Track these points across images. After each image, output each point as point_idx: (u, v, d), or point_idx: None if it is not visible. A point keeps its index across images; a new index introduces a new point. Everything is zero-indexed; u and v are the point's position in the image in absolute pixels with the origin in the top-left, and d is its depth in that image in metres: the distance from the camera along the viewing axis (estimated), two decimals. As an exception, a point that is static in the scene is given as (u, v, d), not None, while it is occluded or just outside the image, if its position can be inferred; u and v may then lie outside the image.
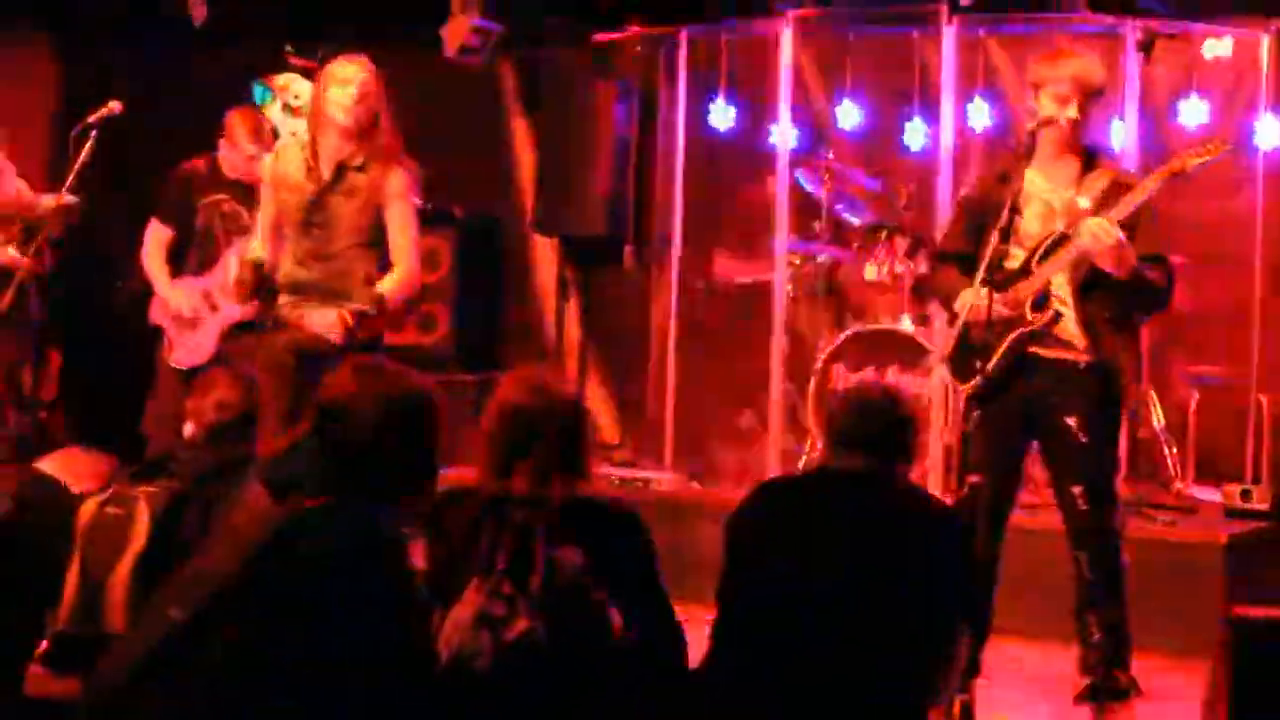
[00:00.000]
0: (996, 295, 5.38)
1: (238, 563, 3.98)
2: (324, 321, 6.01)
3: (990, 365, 5.43)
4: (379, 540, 4.01)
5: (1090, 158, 5.59)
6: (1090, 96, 5.50)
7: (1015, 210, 5.41)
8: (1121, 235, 5.29)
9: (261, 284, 6.19)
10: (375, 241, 6.16)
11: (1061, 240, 5.45)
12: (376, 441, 4.08)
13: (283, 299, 6.24)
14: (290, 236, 6.24)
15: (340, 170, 6.14)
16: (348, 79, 6.13)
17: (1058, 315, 5.47)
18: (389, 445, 4.08)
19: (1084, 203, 5.46)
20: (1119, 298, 5.46)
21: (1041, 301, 5.48)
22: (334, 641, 3.90)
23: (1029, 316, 5.47)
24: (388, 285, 6.05)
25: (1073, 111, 5.45)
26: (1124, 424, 5.91)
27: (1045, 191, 5.56)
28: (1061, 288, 5.48)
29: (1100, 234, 5.28)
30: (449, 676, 3.91)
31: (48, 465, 5.36)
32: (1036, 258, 5.49)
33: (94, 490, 5.06)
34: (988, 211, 5.52)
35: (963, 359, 5.53)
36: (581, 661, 3.99)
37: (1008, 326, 5.47)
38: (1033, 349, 5.50)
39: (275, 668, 3.91)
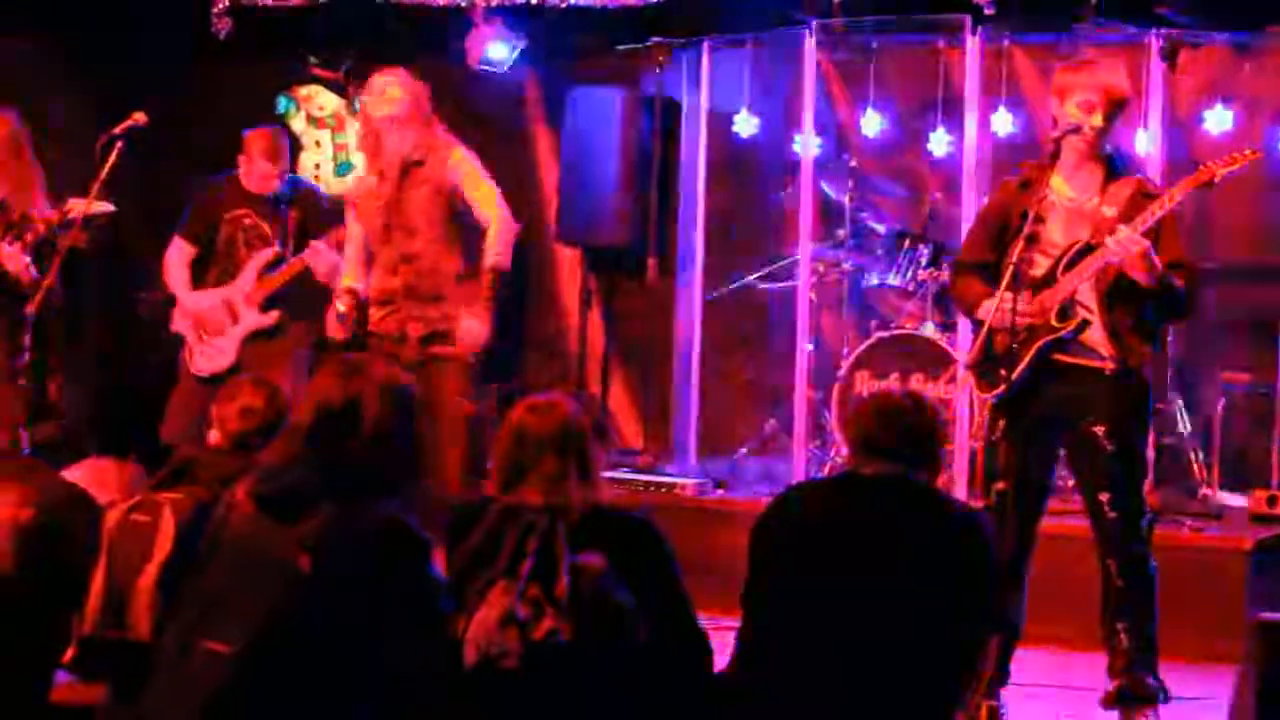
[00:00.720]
0: (1021, 303, 5.39)
1: (281, 589, 4.04)
2: (470, 330, 6.35)
3: (1016, 373, 5.41)
4: (410, 535, 4.08)
5: (1113, 166, 5.58)
6: (1115, 105, 5.49)
7: (1039, 218, 5.42)
8: (1148, 244, 5.29)
9: (360, 311, 6.48)
10: (453, 234, 6.45)
11: (1087, 249, 5.46)
12: (379, 435, 4.17)
13: (375, 312, 6.54)
14: (375, 249, 6.57)
15: (405, 168, 6.46)
16: (383, 84, 6.52)
17: (1085, 323, 5.47)
18: (389, 438, 4.20)
19: (1109, 211, 5.46)
20: (1145, 305, 5.46)
21: (1067, 310, 5.48)
22: (377, 643, 3.97)
23: (1055, 324, 5.47)
24: (491, 250, 6.36)
25: (1098, 120, 5.45)
26: (1150, 431, 5.88)
27: (1069, 200, 5.56)
28: (1087, 296, 5.48)
29: (1128, 243, 5.29)
30: (478, 677, 3.94)
31: (74, 474, 5.36)
32: (1062, 266, 5.49)
33: (120, 500, 5.09)
34: (1009, 219, 5.54)
35: (988, 367, 5.54)
36: (607, 663, 4.01)
37: (1033, 335, 5.48)
38: (1058, 357, 5.50)
39: (322, 677, 3.99)
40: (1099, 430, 5.44)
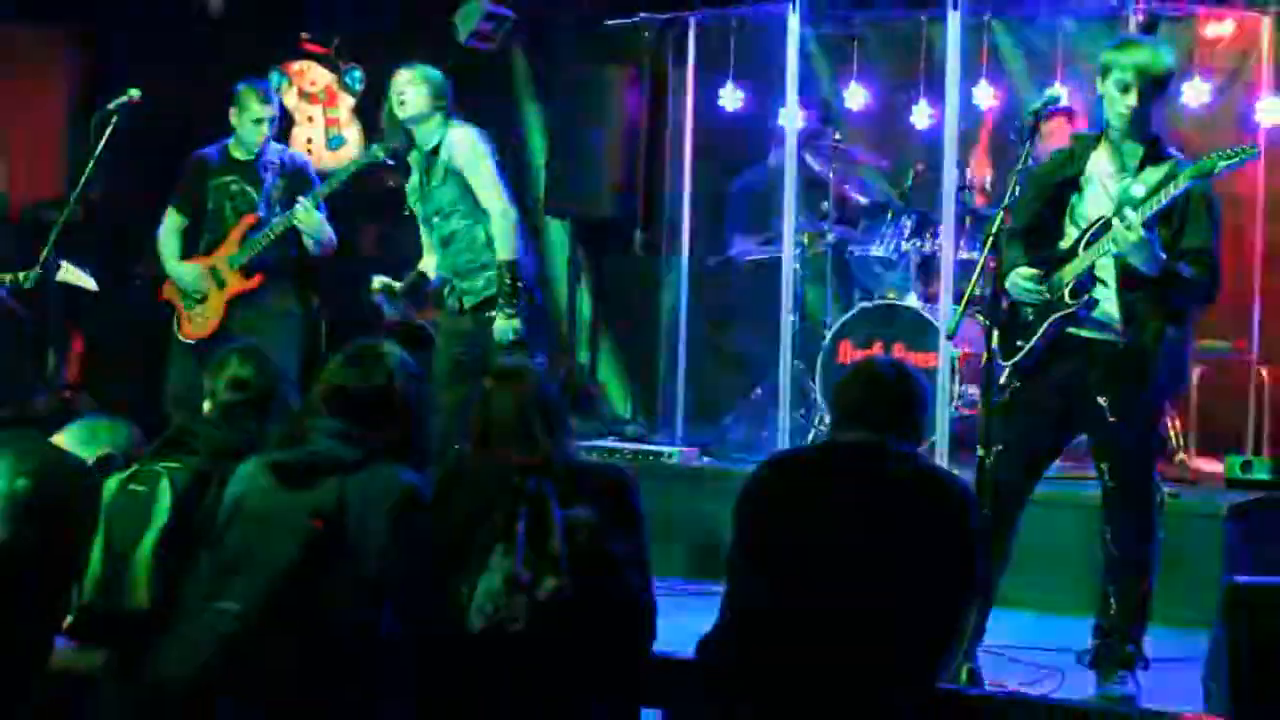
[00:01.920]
0: (1041, 277, 5.50)
1: (297, 550, 4.18)
2: (498, 329, 6.66)
3: (1030, 343, 5.54)
4: (416, 495, 4.21)
5: (1155, 147, 5.58)
6: (1152, 85, 5.47)
7: (1077, 189, 5.52)
8: (1145, 234, 5.31)
9: (414, 290, 6.84)
10: (476, 209, 6.72)
11: (1107, 225, 5.47)
12: (390, 406, 4.39)
13: (440, 291, 6.90)
14: (425, 235, 6.94)
15: (427, 159, 6.75)
16: (393, 83, 6.83)
17: (1093, 301, 5.52)
18: (399, 407, 4.40)
19: (1137, 190, 5.47)
20: (1156, 286, 5.47)
21: (1084, 284, 5.52)
22: (383, 607, 4.10)
23: (1068, 300, 5.53)
24: (498, 246, 6.63)
25: (1133, 99, 5.44)
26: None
27: (1105, 176, 5.59)
28: (1106, 270, 5.52)
29: (1125, 233, 5.32)
30: (486, 642, 3.99)
31: (68, 433, 5.41)
32: (1084, 241, 5.53)
33: (112, 455, 5.17)
34: (1045, 189, 5.63)
35: (1009, 337, 5.62)
36: (605, 615, 4.09)
37: (1050, 307, 5.56)
38: (1072, 330, 5.57)
39: (329, 639, 4.11)
40: (1103, 401, 5.50)
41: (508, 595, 3.99)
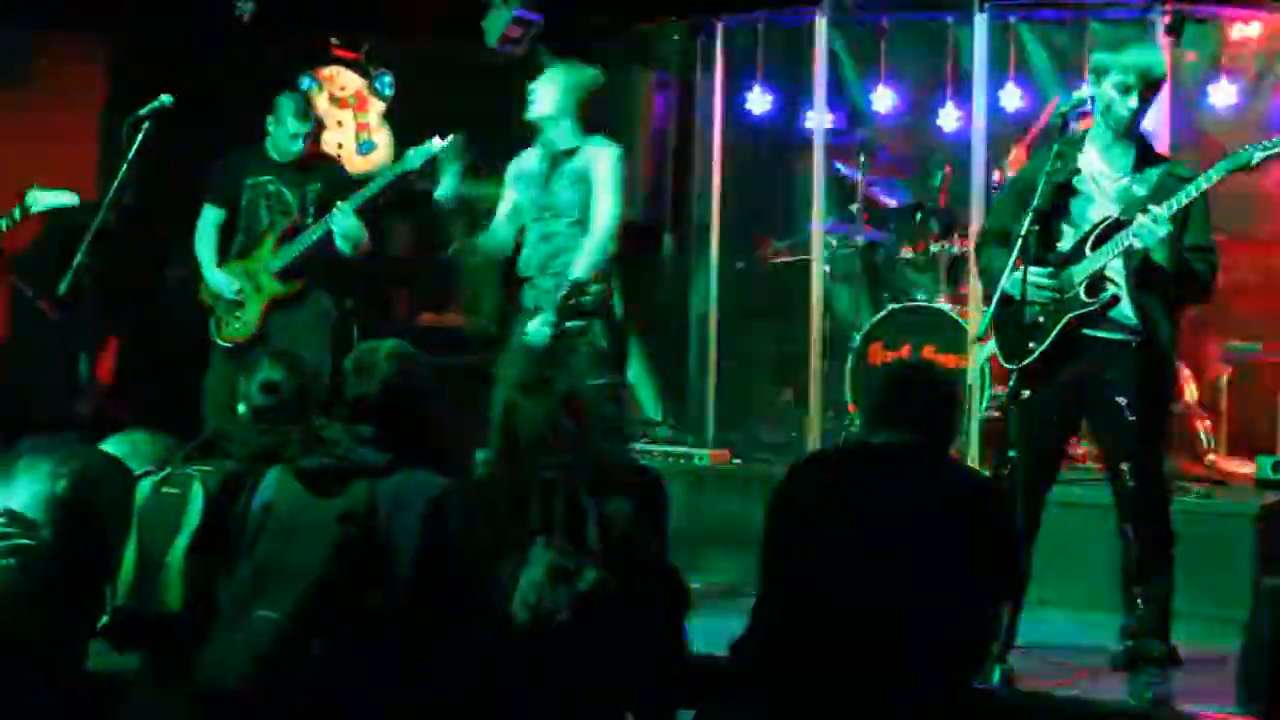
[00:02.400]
0: (1049, 276, 5.49)
1: (329, 556, 4.23)
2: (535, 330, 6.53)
3: (1044, 345, 5.50)
4: (453, 496, 4.25)
5: (1145, 147, 5.65)
6: (1151, 87, 5.55)
7: (1071, 191, 5.52)
8: (1171, 229, 5.33)
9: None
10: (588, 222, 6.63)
11: (1116, 225, 5.51)
12: (408, 408, 4.44)
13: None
14: (505, 219, 6.79)
15: (556, 157, 6.64)
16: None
17: (1115, 298, 5.53)
18: (419, 408, 4.46)
19: (1139, 190, 5.52)
20: (1166, 285, 5.51)
21: (1095, 284, 5.54)
22: (422, 609, 4.13)
23: (1084, 299, 5.54)
24: (583, 264, 6.51)
25: (1134, 100, 5.50)
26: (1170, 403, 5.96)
27: (1101, 176, 5.62)
28: (1116, 271, 5.54)
29: (1154, 227, 5.33)
30: (530, 634, 4.00)
31: (110, 446, 5.46)
32: (1091, 241, 5.55)
33: (154, 471, 5.21)
34: (1035, 191, 5.58)
35: (1014, 338, 5.59)
36: (647, 606, 4.10)
37: (1061, 308, 5.54)
38: (1086, 330, 5.57)
39: (369, 642, 4.15)
40: (1122, 401, 5.52)
41: (551, 586, 4.01)
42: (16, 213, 7.09)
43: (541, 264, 6.62)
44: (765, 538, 4.29)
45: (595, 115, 8.96)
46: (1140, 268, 5.49)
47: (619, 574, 4.03)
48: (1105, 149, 5.64)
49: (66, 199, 7.11)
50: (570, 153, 6.62)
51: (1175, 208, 5.36)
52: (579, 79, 6.71)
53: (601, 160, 6.59)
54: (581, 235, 6.56)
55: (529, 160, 6.72)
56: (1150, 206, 5.39)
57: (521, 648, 3.98)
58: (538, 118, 6.65)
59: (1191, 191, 5.38)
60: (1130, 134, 5.62)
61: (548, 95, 6.65)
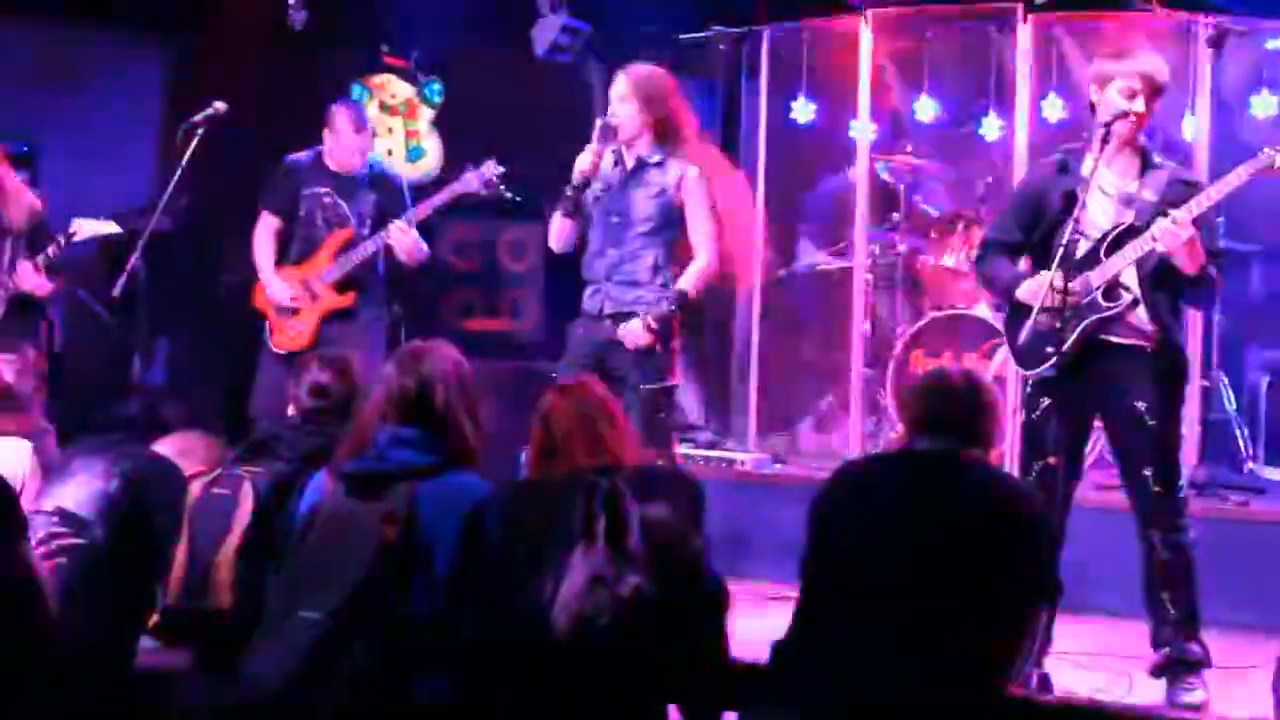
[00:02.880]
0: (1065, 282, 5.46)
1: (368, 559, 4.26)
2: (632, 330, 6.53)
3: (1063, 351, 5.47)
4: (491, 503, 4.32)
5: (1148, 154, 5.67)
6: (1155, 92, 5.58)
7: (1078, 200, 5.49)
8: (1195, 232, 5.36)
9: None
10: (659, 233, 6.62)
11: (1130, 231, 5.53)
12: (451, 411, 4.44)
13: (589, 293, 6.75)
14: (565, 215, 6.75)
15: (640, 161, 6.62)
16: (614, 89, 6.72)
17: (1135, 301, 5.56)
18: (462, 411, 4.46)
19: (1149, 196, 5.55)
20: (1180, 290, 5.56)
21: (1112, 290, 5.56)
22: (461, 611, 4.20)
23: (1102, 304, 5.56)
24: (689, 280, 6.55)
25: (1139, 106, 5.53)
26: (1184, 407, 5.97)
27: (1109, 184, 5.63)
28: (1130, 277, 5.57)
29: (1177, 230, 5.36)
30: (573, 639, 4.02)
31: (163, 447, 5.54)
32: (1105, 248, 5.57)
33: (206, 472, 5.28)
34: (1043, 202, 5.64)
35: (1032, 346, 5.59)
36: (689, 612, 4.11)
37: (1079, 314, 5.55)
38: (1103, 335, 5.59)
39: (409, 644, 4.23)
40: (1142, 406, 5.52)
41: (592, 592, 4.02)
42: (62, 240, 7.19)
43: (610, 272, 6.63)
44: (807, 542, 4.30)
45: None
46: (1154, 273, 5.52)
47: (661, 580, 4.05)
48: (1114, 156, 5.64)
49: (109, 228, 7.21)
50: (652, 163, 6.61)
51: (1196, 211, 5.39)
52: (656, 88, 6.67)
53: (689, 179, 6.58)
54: (652, 245, 6.59)
55: (603, 163, 6.68)
56: (1172, 211, 5.41)
57: (562, 653, 4.00)
58: (619, 128, 6.62)
59: (1210, 196, 5.42)
60: (1135, 141, 5.65)
61: (627, 109, 6.62)
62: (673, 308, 6.48)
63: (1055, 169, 5.72)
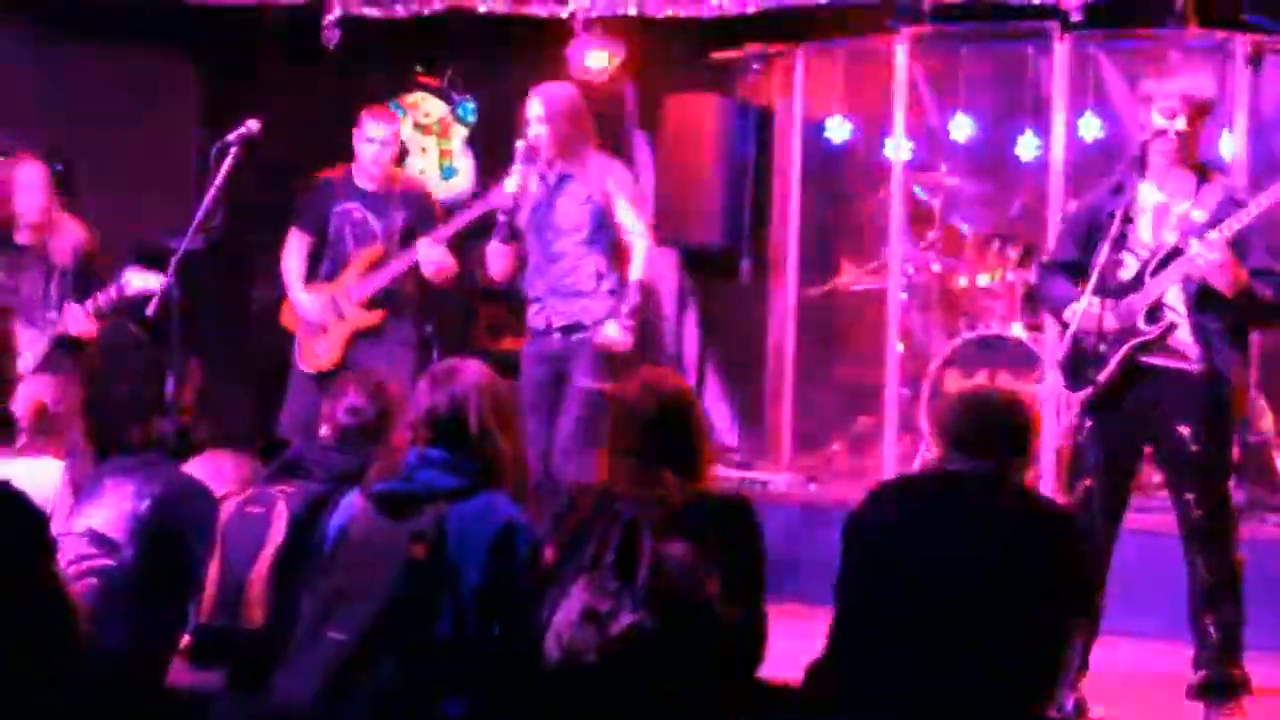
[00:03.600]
0: (1109, 306, 5.47)
1: (396, 579, 4.28)
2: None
3: (1104, 375, 5.49)
4: (519, 522, 4.31)
5: (1204, 172, 5.65)
6: (1197, 110, 5.57)
7: (1128, 220, 5.50)
8: (1229, 254, 5.35)
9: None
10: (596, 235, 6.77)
11: (1175, 253, 5.52)
12: (483, 432, 4.44)
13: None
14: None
15: (561, 177, 6.76)
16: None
17: (1172, 325, 5.53)
18: (494, 431, 4.46)
19: (1198, 216, 5.53)
20: (1227, 311, 5.52)
21: (1155, 312, 5.55)
22: (486, 633, 4.19)
23: (1143, 328, 5.55)
24: (637, 269, 6.73)
25: (1180, 124, 5.52)
26: (1236, 431, 5.93)
27: (1159, 203, 5.63)
28: (1175, 299, 5.55)
29: (1208, 253, 5.36)
30: (560, 672, 4.07)
31: (193, 467, 5.54)
32: (1150, 270, 5.56)
33: (237, 492, 5.29)
34: (1098, 222, 5.62)
35: (1076, 368, 5.59)
36: (690, 652, 4.12)
37: (1121, 337, 5.55)
38: (1145, 359, 5.57)
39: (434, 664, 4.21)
40: (1185, 431, 5.50)
41: (580, 626, 4.06)
42: (114, 292, 7.19)
43: (551, 285, 6.73)
44: (841, 562, 4.30)
45: (677, 141, 9.07)
46: (1199, 294, 5.50)
47: (669, 619, 4.06)
48: (1162, 177, 5.64)
49: (155, 284, 7.16)
50: (574, 174, 6.76)
51: (1229, 232, 5.38)
52: (570, 105, 6.82)
53: (611, 176, 6.77)
54: (590, 253, 6.70)
55: (530, 184, 6.83)
56: (1207, 233, 5.41)
57: (558, 681, 4.04)
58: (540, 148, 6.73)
59: (1244, 216, 5.40)
60: (1188, 160, 5.64)
61: (546, 128, 6.75)
62: (638, 300, 6.64)
63: (1110, 190, 5.71)
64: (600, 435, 4.56)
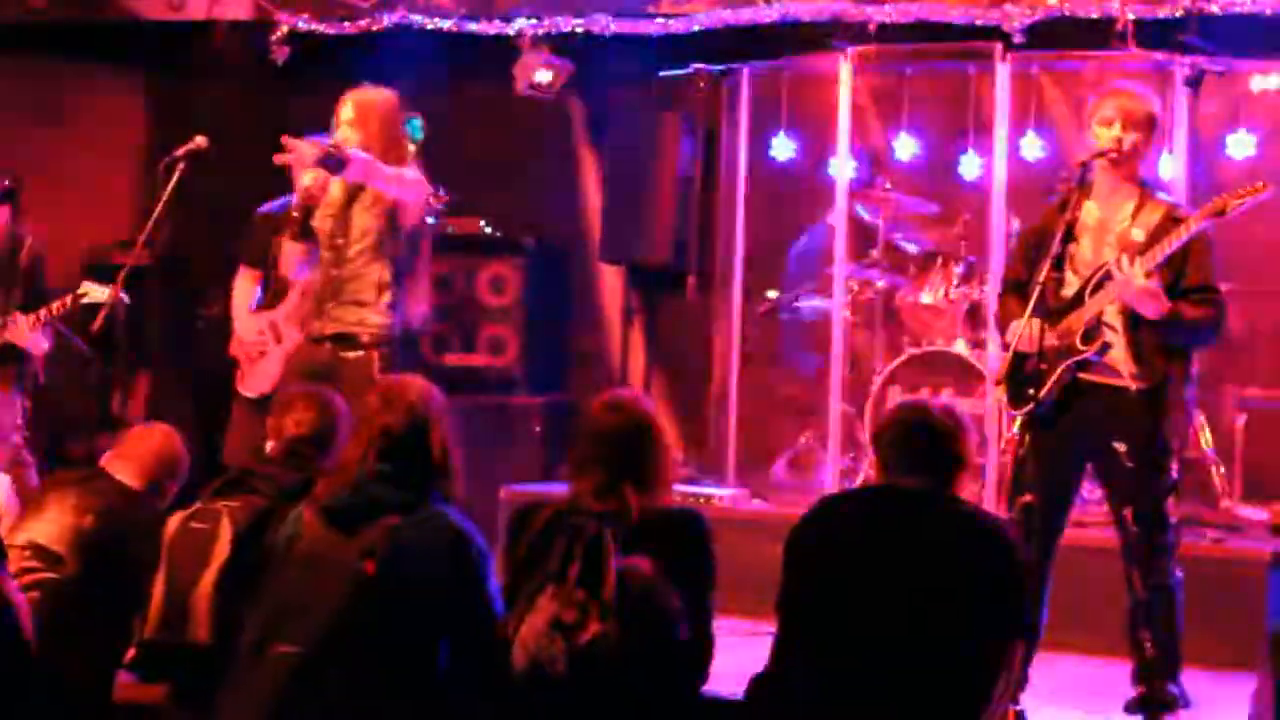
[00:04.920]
0: (1049, 325, 5.51)
1: (346, 594, 4.28)
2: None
3: (1043, 392, 5.50)
4: (468, 536, 4.33)
5: (1145, 191, 5.69)
6: (1135, 127, 5.61)
7: (1071, 239, 5.54)
8: (1148, 283, 5.39)
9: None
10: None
11: (1111, 273, 5.56)
12: (431, 446, 4.47)
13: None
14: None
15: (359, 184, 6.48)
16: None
17: (1106, 345, 5.57)
18: (441, 446, 4.49)
19: (1137, 235, 5.56)
20: (1159, 331, 5.54)
21: (1093, 331, 5.58)
22: (438, 645, 4.20)
23: (1079, 346, 5.59)
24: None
25: (1116, 131, 5.58)
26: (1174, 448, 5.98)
27: (1101, 222, 5.67)
28: (1114, 316, 5.58)
29: (1129, 281, 5.42)
30: (527, 681, 4.10)
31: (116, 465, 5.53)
32: (1090, 287, 5.60)
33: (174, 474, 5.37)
34: (1045, 240, 5.64)
35: (1017, 386, 5.61)
36: (652, 665, 4.17)
37: (1059, 355, 5.59)
38: (1084, 376, 5.61)
39: (384, 677, 4.22)
40: (1121, 447, 5.53)
41: (548, 637, 4.09)
42: (69, 300, 7.16)
43: (333, 291, 6.49)
44: (785, 577, 4.32)
45: (624, 159, 9.09)
46: (1135, 312, 5.54)
47: (632, 632, 4.10)
48: (1107, 195, 5.70)
49: (112, 297, 7.09)
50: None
51: (1152, 262, 5.43)
52: (382, 111, 6.63)
53: (404, 176, 6.49)
54: (375, 263, 6.45)
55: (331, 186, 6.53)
56: (1124, 259, 5.46)
57: (523, 691, 4.07)
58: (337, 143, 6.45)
59: (1168, 244, 5.44)
60: (1129, 178, 5.69)
61: (355, 133, 6.53)
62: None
63: (1056, 209, 5.75)
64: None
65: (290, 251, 6.61)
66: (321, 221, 6.50)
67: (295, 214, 6.44)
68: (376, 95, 6.68)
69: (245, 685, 4.32)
